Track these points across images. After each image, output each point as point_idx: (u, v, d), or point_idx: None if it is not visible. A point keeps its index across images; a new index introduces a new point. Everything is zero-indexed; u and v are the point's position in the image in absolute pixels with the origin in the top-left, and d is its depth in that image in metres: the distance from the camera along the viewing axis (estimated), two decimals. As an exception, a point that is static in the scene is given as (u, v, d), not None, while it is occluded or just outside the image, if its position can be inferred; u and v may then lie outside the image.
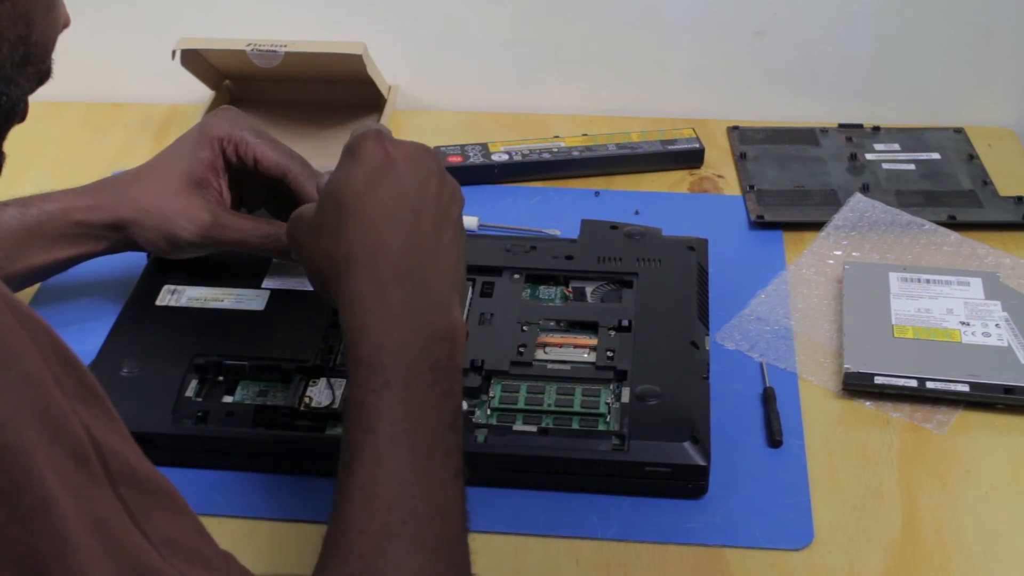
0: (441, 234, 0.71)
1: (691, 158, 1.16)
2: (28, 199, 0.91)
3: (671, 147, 1.16)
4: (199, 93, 1.23)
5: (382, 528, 0.62)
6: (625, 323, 0.90)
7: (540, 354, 0.88)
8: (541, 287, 0.95)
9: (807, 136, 1.20)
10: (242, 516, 0.81)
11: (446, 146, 1.15)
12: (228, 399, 0.85)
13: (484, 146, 1.15)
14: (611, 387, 0.85)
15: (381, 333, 0.67)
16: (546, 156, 1.14)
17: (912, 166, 1.15)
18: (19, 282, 0.91)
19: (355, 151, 0.71)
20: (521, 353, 0.87)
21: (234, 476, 0.83)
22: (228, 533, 0.80)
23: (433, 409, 0.66)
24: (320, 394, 0.85)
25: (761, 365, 0.91)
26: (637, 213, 1.08)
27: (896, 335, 0.91)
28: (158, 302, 0.93)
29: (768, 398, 0.88)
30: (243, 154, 0.91)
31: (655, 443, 0.79)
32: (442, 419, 0.66)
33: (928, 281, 0.96)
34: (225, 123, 0.92)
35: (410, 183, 0.70)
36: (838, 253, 1.02)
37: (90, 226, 0.90)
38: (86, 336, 0.92)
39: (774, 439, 0.84)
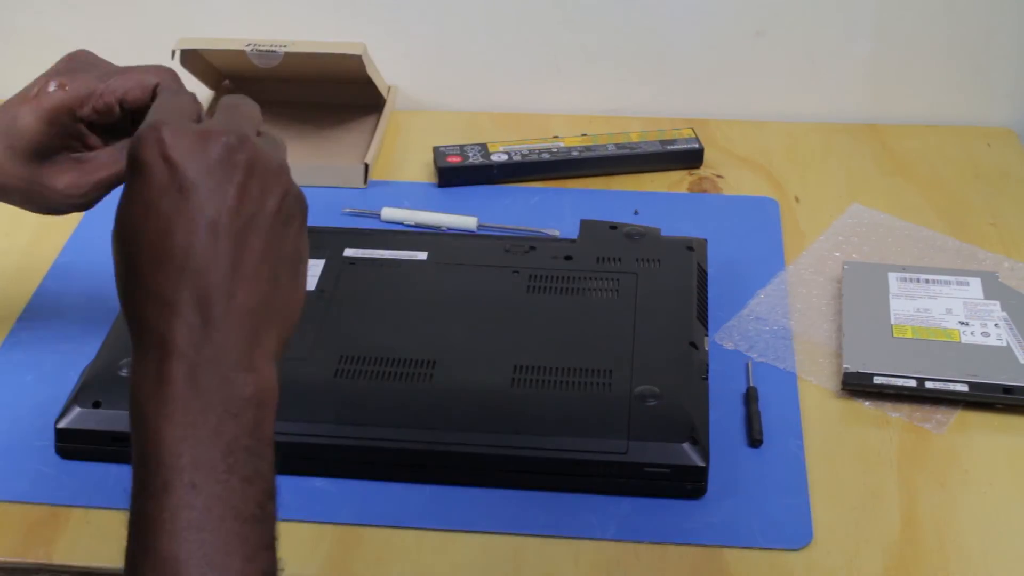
0: (241, 262, 0.54)
1: (690, 158, 1.16)
2: None
3: (670, 147, 1.16)
4: (199, 93, 1.23)
5: None
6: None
7: (539, 354, 0.88)
8: (541, 288, 0.95)
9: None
10: (242, 516, 0.81)
11: (445, 146, 1.15)
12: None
13: (483, 146, 1.15)
14: (610, 387, 0.85)
15: (158, 416, 0.53)
16: (545, 156, 1.14)
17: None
18: None
19: (134, 165, 0.54)
20: (520, 354, 0.87)
21: (234, 476, 0.83)
22: (227, 533, 0.80)
23: (228, 507, 0.51)
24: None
25: (747, 365, 0.90)
26: (636, 213, 1.08)
27: (895, 335, 0.91)
28: (158, 302, 0.92)
29: (750, 398, 0.87)
30: (100, 108, 0.78)
31: (654, 444, 0.79)
32: (242, 514, 0.52)
33: (927, 281, 0.96)
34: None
35: (202, 209, 0.53)
36: (837, 254, 1.02)
37: None
38: (86, 337, 0.92)
39: (754, 438, 0.84)
